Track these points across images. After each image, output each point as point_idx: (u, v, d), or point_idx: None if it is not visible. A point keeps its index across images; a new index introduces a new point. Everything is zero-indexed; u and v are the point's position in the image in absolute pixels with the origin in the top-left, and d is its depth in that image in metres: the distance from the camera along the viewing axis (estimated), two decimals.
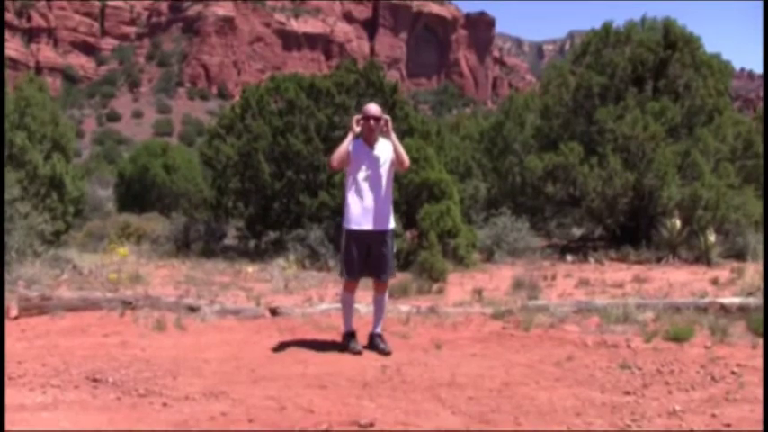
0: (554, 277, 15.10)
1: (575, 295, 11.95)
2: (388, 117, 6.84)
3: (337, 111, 21.67)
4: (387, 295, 7.11)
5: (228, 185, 22.40)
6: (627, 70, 22.23)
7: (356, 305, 7.40)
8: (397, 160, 6.81)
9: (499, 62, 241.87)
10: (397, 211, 18.20)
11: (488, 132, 30.91)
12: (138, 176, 35.86)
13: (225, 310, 8.80)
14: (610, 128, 21.09)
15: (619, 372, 6.15)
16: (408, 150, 18.68)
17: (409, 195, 18.24)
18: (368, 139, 6.84)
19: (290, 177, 21.36)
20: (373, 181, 6.73)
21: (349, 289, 6.95)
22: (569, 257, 19.66)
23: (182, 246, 21.92)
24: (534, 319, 8.06)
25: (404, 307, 9.16)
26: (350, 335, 6.93)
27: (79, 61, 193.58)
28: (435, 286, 13.43)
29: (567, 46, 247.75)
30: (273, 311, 8.77)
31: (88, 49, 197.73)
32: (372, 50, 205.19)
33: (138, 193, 35.18)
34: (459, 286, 13.71)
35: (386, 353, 6.70)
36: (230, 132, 23.06)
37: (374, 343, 6.89)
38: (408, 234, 17.69)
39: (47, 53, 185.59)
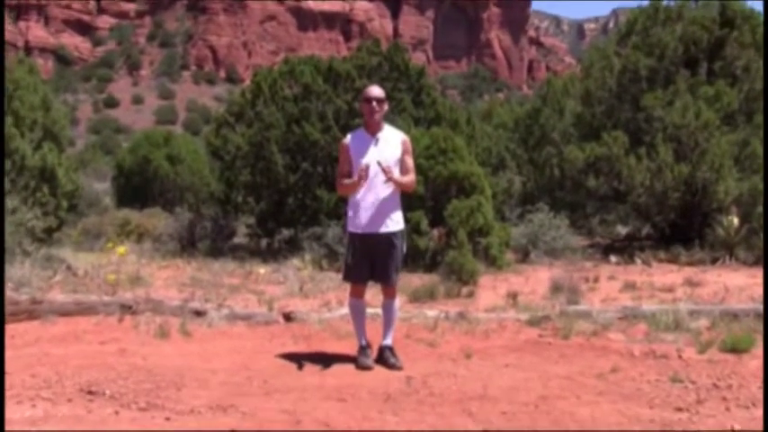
0: (596, 280, 15.03)
1: (619, 300, 11.89)
2: (390, 168, 6.51)
3: (357, 96, 21.67)
4: (397, 301, 7.04)
5: (238, 178, 22.47)
6: (678, 51, 22.08)
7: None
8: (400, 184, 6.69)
9: (535, 43, 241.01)
10: (423, 206, 18.32)
11: (524, 120, 30.89)
12: (138, 168, 35.98)
13: (234, 315, 8.81)
14: (658, 115, 20.97)
15: (669, 386, 6.10)
16: (435, 140, 18.82)
17: (436, 190, 18.21)
18: (369, 125, 6.69)
19: (305, 169, 21.41)
20: (377, 178, 6.55)
21: (356, 294, 6.89)
22: (613, 258, 19.57)
23: (187, 244, 22.02)
24: (574, 326, 8.02)
25: (431, 312, 9.15)
26: (363, 349, 6.84)
27: (73, 41, 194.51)
28: (465, 290, 13.42)
29: (611, 24, 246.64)
30: (288, 317, 8.79)
31: (83, 28, 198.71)
32: (396, 31, 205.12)
33: (138, 187, 35.31)
34: (491, 290, 13.68)
35: (396, 368, 6.60)
36: (240, 120, 23.14)
37: (384, 357, 6.76)
38: (435, 232, 17.68)
39: (37, 32, 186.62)
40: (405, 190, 6.83)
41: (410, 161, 6.78)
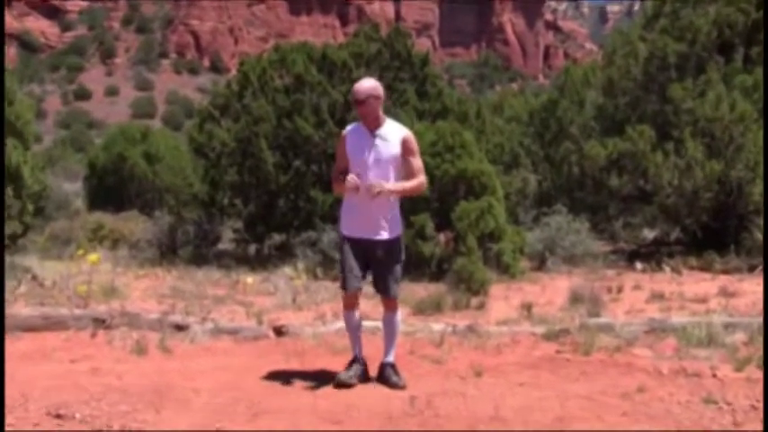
0: (620, 290, 15.03)
1: (646, 312, 11.89)
2: (381, 183, 6.40)
3: None
4: (399, 314, 6.99)
5: (224, 178, 22.49)
6: (711, 35, 22.06)
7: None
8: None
9: (553, 27, 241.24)
10: (428, 208, 18.33)
11: (539, 113, 30.87)
12: (112, 167, 36.00)
13: (219, 329, 8.81)
14: (688, 107, 20.96)
15: (702, 407, 6.09)
16: (442, 136, 18.83)
17: (443, 190, 18.22)
18: (366, 123, 6.65)
19: (298, 168, 21.42)
20: (374, 178, 6.48)
21: (348, 306, 6.85)
22: (639, 265, 19.56)
23: (167, 251, 22.04)
24: (596, 340, 8.01)
25: (437, 325, 9.14)
26: (352, 362, 6.82)
27: (39, 26, 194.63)
28: (475, 300, 13.43)
29: (637, 7, 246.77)
30: (278, 331, 8.79)
31: (50, 11, 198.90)
32: (398, 14, 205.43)
33: (112, 188, 35.33)
34: (503, 300, 13.69)
35: (398, 387, 6.58)
36: (225, 114, 23.17)
37: (385, 375, 6.74)
38: (442, 237, 17.69)
39: None
40: (411, 195, 6.82)
41: (416, 162, 6.68)
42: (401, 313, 7.17)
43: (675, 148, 20.82)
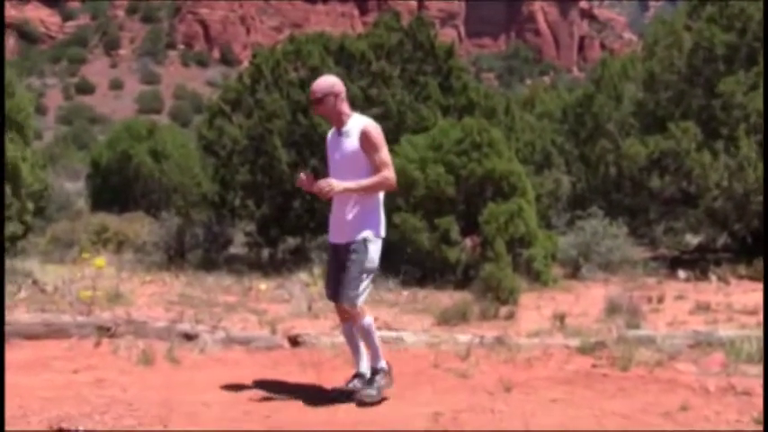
0: (661, 300, 14.99)
1: (690, 324, 11.84)
2: (331, 182, 6.40)
3: (375, 81, 21.71)
4: (362, 324, 6.68)
5: (235, 177, 22.53)
6: (763, 24, 21.91)
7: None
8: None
9: (588, 16, 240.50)
10: (453, 211, 18.34)
11: (573, 109, 30.80)
12: (117, 165, 36.11)
13: (231, 338, 8.83)
14: (739, 102, 20.85)
15: (753, 428, 6.06)
16: (468, 133, 18.82)
17: (469, 191, 18.22)
18: (330, 123, 6.78)
19: (314, 167, 21.40)
20: (337, 178, 6.51)
21: (340, 317, 6.85)
22: (682, 273, 19.50)
23: (174, 255, 22.10)
24: (635, 354, 7.98)
25: (462, 337, 9.13)
26: (354, 377, 6.79)
27: (39, 15, 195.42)
28: (504, 310, 13.43)
29: None
30: (294, 341, 8.80)
31: (51, 0, 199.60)
32: (421, 2, 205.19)
33: (117, 187, 35.44)
34: (534, 310, 13.68)
35: (363, 403, 6.49)
36: (237, 109, 23.20)
37: (350, 385, 6.76)
38: (468, 241, 17.68)
39: None
40: (375, 192, 6.73)
41: (378, 156, 6.59)
42: (367, 319, 6.91)
43: (725, 146, 20.73)
